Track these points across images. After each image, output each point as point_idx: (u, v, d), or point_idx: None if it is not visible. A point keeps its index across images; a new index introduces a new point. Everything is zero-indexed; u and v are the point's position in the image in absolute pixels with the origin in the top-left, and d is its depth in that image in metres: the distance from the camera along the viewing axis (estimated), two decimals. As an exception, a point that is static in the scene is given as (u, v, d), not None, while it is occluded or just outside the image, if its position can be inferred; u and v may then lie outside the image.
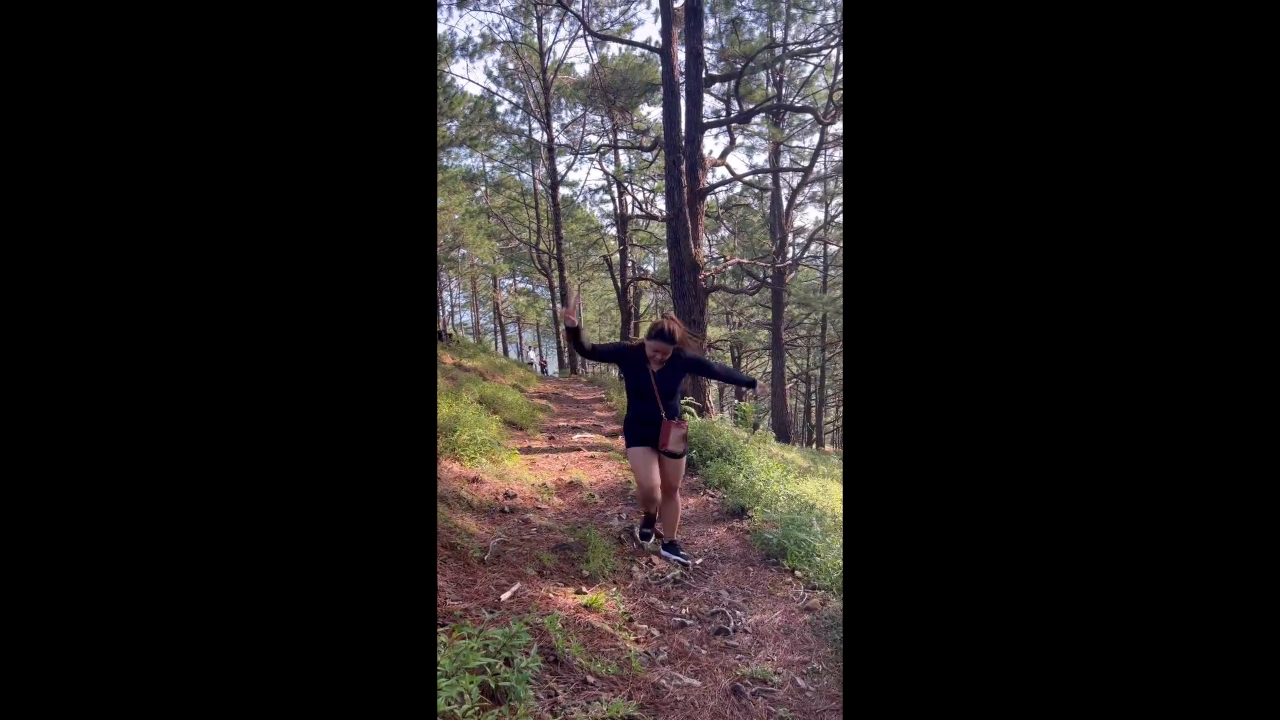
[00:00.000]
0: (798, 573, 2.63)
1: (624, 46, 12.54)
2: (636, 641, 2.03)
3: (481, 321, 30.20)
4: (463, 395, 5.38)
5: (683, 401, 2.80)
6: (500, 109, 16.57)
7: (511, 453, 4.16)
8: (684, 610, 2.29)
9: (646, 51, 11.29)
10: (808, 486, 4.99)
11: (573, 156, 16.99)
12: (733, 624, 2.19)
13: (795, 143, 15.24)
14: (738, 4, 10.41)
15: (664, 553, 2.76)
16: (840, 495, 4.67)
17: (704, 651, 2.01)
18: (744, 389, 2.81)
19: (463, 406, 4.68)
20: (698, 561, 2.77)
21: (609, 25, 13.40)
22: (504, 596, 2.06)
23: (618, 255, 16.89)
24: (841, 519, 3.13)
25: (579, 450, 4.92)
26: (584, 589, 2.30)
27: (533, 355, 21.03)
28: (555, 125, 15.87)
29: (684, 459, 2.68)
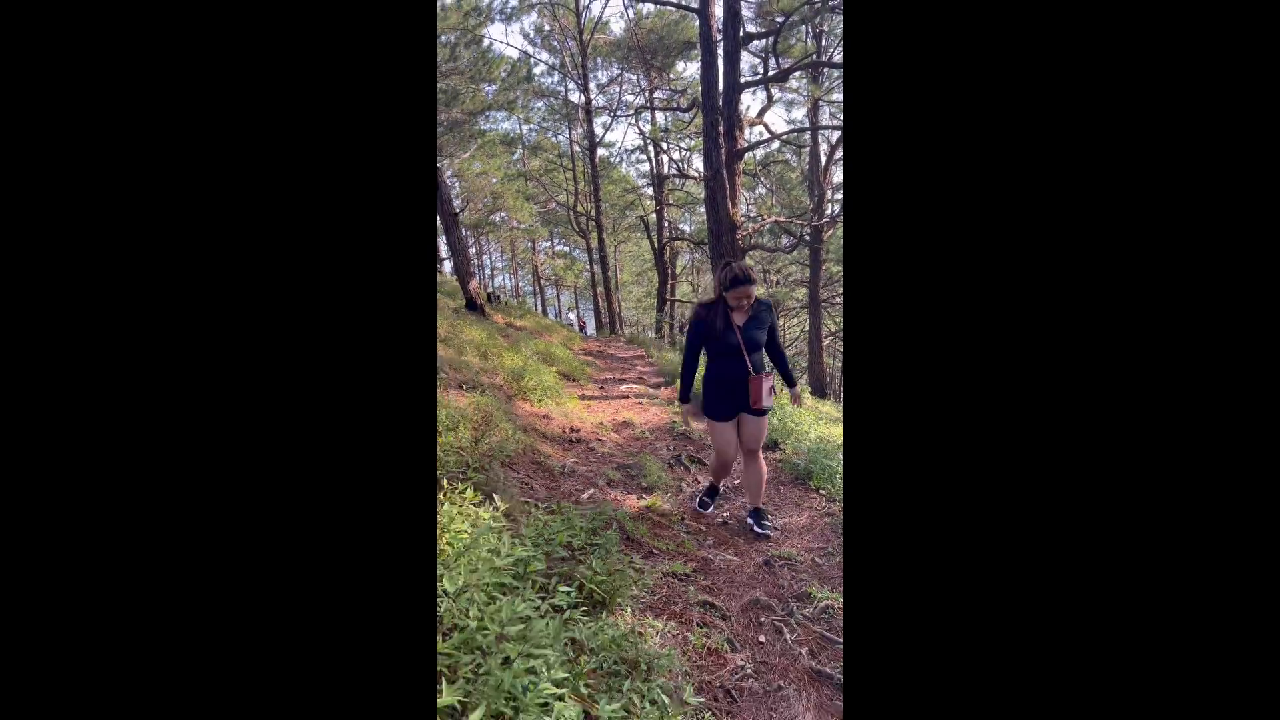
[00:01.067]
0: (821, 491, 3.11)
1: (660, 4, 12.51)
2: (688, 532, 2.56)
3: (520, 284, 30.97)
4: (522, 350, 5.96)
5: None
6: (537, 70, 16.77)
7: (571, 397, 4.72)
8: (725, 514, 2.81)
9: (683, 10, 11.27)
10: (836, 431, 5.42)
11: (610, 117, 17.15)
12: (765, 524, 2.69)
13: (835, 96, 14.99)
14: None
15: (749, 521, 2.60)
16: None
17: (741, 540, 2.53)
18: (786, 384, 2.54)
19: (524, 359, 5.26)
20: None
21: (645, -19, 13.33)
22: (584, 496, 2.61)
23: (654, 215, 17.14)
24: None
25: (627, 398, 5.45)
26: (644, 495, 2.84)
27: (572, 316, 21.66)
28: (592, 86, 16.00)
29: (767, 416, 2.45)
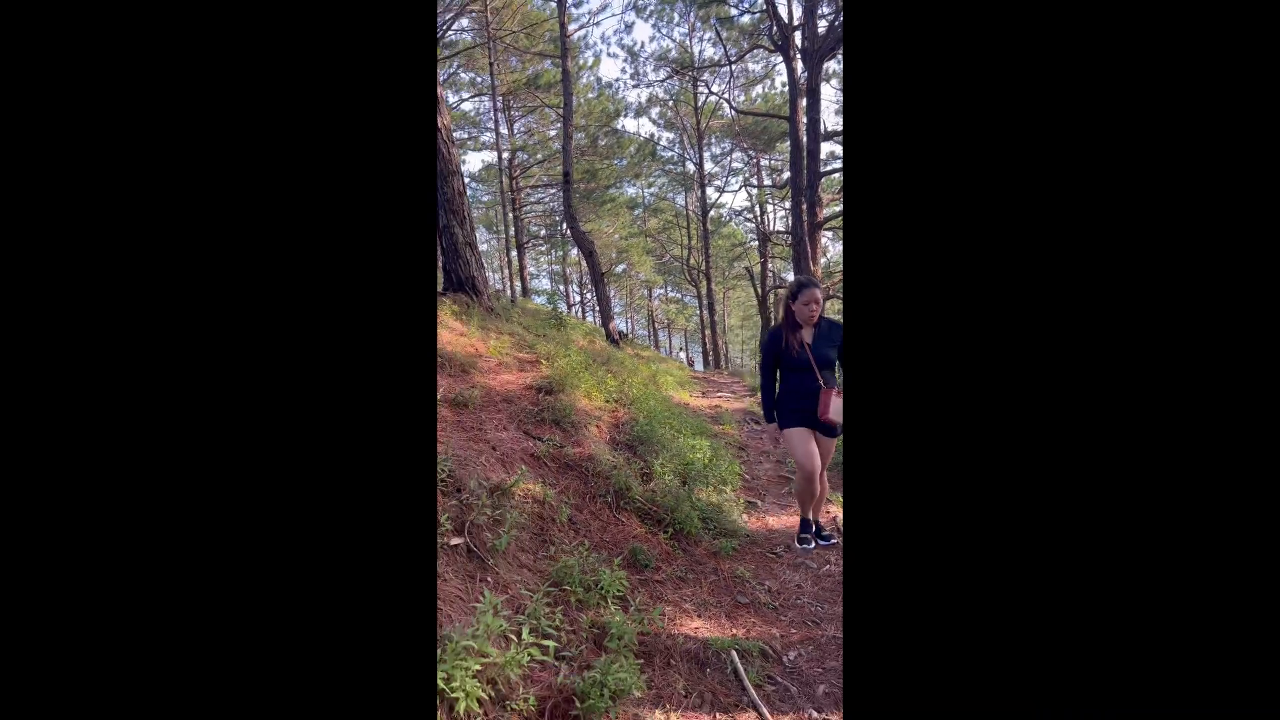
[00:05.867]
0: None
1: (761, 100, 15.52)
2: (748, 438, 5.13)
3: (635, 328, 34.67)
4: (650, 367, 8.83)
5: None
6: (659, 145, 20.53)
7: (685, 393, 7.44)
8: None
9: (777, 118, 14.13)
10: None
11: (722, 183, 20.30)
12: (785, 443, 5.17)
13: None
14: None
15: (810, 536, 2.74)
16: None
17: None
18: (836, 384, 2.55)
19: (654, 370, 8.10)
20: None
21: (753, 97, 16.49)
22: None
23: (759, 266, 19.72)
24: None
25: (721, 396, 8.08)
26: (720, 425, 5.46)
27: (682, 355, 24.65)
28: (706, 157, 19.30)
29: (836, 440, 2.55)
